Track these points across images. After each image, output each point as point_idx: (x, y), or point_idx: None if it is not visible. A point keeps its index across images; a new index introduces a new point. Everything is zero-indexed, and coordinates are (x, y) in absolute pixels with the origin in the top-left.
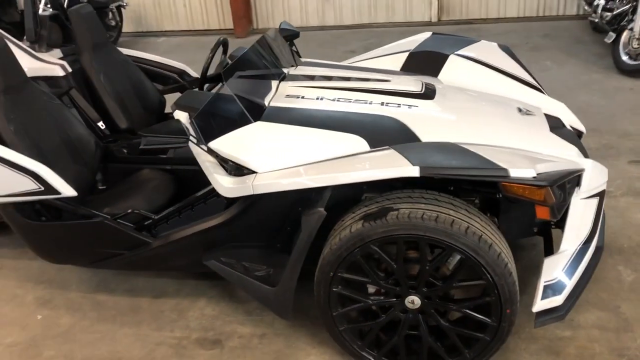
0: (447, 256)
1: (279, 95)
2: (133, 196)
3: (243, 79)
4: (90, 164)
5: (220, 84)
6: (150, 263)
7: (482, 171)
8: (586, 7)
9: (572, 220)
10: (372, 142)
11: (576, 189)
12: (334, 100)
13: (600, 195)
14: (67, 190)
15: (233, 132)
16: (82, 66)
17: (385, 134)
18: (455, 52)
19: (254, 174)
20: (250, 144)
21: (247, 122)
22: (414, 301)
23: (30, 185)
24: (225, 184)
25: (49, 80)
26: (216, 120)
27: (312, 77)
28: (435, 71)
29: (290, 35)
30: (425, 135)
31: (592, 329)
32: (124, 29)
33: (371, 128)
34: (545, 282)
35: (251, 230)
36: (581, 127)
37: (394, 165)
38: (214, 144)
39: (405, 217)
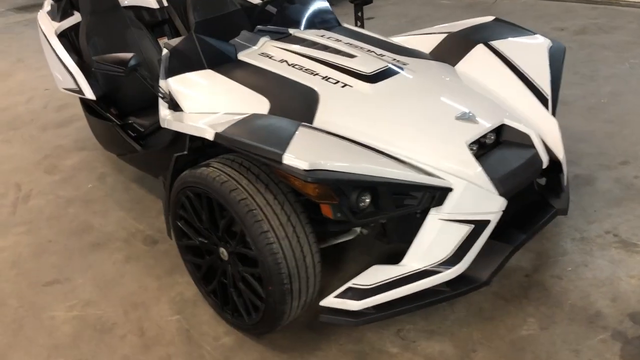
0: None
1: (256, 51)
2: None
3: (252, 32)
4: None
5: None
6: (142, 166)
7: (262, 151)
8: None
9: (421, 237)
10: (273, 106)
11: (436, 207)
12: (290, 65)
13: (478, 224)
14: (89, 93)
15: (187, 73)
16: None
17: (290, 103)
18: (486, 42)
19: (179, 112)
20: (190, 86)
21: (202, 68)
22: (223, 252)
23: (73, 84)
24: (161, 115)
25: (147, 10)
26: (179, 60)
27: (302, 41)
28: (458, 58)
29: (361, 1)
30: (323, 114)
31: (420, 357)
32: None
33: (284, 95)
34: (353, 283)
35: None
36: (559, 154)
37: (208, 126)
38: (170, 80)
39: (205, 174)
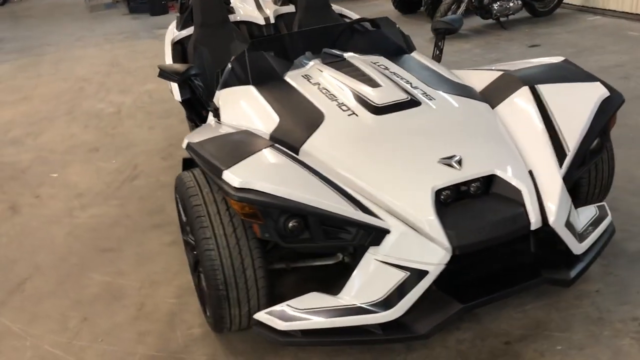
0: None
1: (301, 72)
2: None
3: (311, 55)
4: None
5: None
6: None
7: (209, 165)
8: None
9: (356, 273)
10: (280, 124)
11: (374, 247)
12: (319, 88)
13: (414, 272)
14: (176, 95)
15: (234, 86)
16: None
17: (295, 123)
18: (533, 85)
19: (217, 122)
20: (230, 99)
21: (247, 83)
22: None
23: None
24: (207, 122)
25: (256, 25)
26: (233, 75)
27: (347, 66)
28: (502, 98)
29: (444, 29)
30: (316, 138)
31: None
32: (570, 1)
33: (295, 115)
34: (287, 304)
35: None
36: (550, 217)
37: (193, 136)
38: (220, 91)
39: (181, 178)
